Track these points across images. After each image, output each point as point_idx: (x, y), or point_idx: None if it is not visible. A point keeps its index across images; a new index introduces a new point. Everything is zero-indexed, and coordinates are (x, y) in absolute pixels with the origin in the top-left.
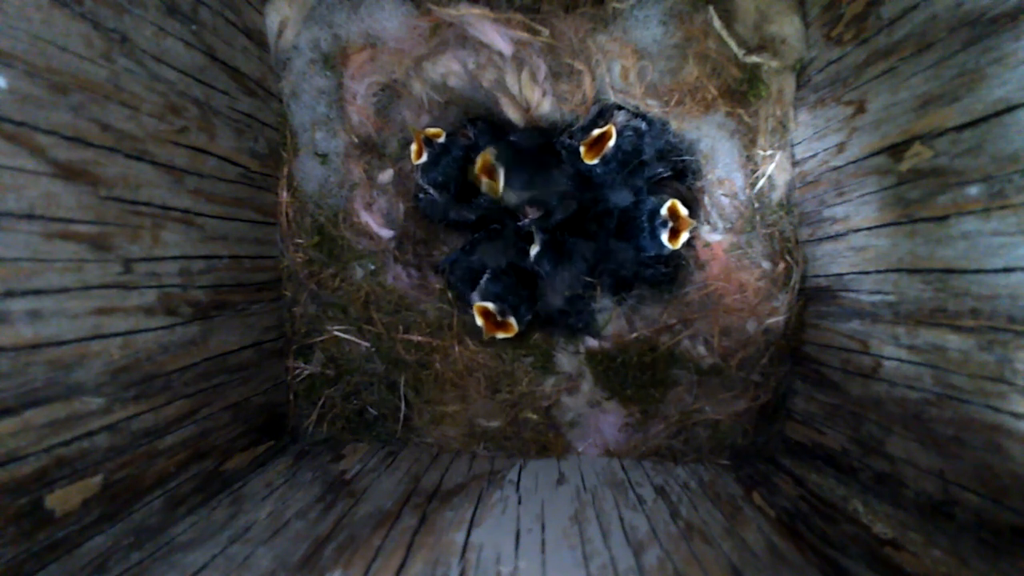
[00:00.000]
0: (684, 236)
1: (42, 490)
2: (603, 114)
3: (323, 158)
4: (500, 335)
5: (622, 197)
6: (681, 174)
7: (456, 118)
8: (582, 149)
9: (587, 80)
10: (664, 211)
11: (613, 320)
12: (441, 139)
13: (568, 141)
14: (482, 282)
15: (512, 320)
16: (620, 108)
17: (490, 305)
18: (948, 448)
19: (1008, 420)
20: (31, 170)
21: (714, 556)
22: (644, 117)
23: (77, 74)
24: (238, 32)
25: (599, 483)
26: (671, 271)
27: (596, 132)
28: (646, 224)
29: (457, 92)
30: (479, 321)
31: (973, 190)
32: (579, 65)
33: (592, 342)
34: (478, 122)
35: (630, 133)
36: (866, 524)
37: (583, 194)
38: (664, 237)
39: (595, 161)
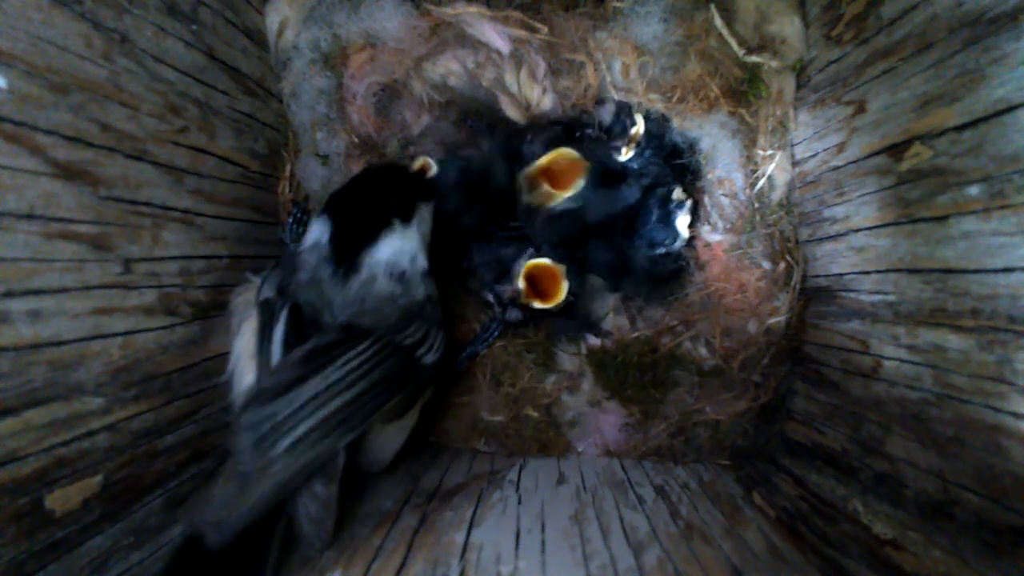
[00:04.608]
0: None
1: (42, 490)
2: (621, 111)
3: (324, 159)
4: (538, 304)
5: (632, 193)
6: (681, 173)
7: (456, 117)
8: (623, 149)
9: (590, 71)
10: (677, 194)
11: (613, 317)
12: (432, 172)
13: (611, 143)
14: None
15: (562, 272)
16: (627, 104)
17: (546, 260)
18: (948, 448)
19: (1008, 420)
20: (31, 170)
21: (714, 556)
22: (648, 115)
23: (77, 74)
24: (238, 32)
25: (599, 483)
26: (677, 269)
27: (634, 129)
28: (658, 211)
29: (457, 91)
30: (520, 284)
31: (973, 190)
32: (581, 57)
33: (594, 340)
34: (477, 121)
35: (651, 125)
36: (866, 524)
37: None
38: (678, 221)
39: (631, 155)
